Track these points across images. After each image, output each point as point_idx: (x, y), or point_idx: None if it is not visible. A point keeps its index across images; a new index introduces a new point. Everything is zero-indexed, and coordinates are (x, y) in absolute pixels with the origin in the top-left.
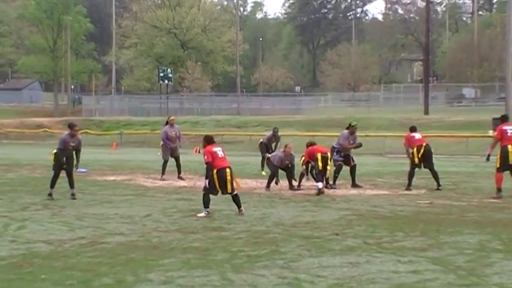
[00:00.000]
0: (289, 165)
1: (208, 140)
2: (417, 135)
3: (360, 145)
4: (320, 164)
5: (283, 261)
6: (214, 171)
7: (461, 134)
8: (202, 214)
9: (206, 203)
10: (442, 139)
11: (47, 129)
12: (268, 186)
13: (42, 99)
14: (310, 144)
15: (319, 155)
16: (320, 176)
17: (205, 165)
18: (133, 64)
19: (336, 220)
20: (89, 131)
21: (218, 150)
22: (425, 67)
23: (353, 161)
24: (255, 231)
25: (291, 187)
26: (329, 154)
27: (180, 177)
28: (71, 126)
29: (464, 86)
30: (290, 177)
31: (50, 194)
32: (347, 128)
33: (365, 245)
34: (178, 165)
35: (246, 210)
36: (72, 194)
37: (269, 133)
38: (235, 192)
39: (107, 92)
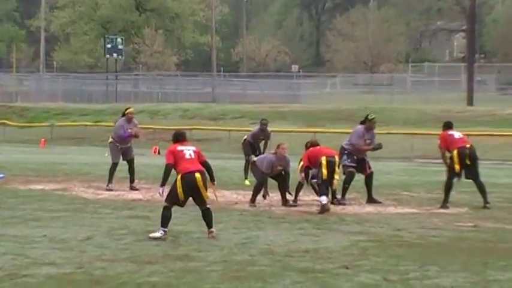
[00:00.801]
0: (283, 173)
1: (175, 137)
2: (456, 134)
3: (380, 146)
4: (325, 171)
5: None
6: (179, 176)
7: None
8: (157, 234)
9: (165, 220)
10: (491, 139)
11: None
12: (253, 200)
13: None
14: (312, 144)
15: (323, 159)
16: (324, 187)
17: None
18: (69, 31)
19: (345, 248)
20: (7, 121)
21: (186, 149)
22: (470, 41)
23: (369, 167)
24: (235, 262)
25: (285, 202)
26: (337, 158)
27: (132, 187)
28: None
29: None
30: (284, 189)
31: None
32: (362, 123)
33: (385, 282)
34: (131, 171)
35: (223, 232)
36: None
37: (255, 128)
38: (206, 206)
39: (33, 69)
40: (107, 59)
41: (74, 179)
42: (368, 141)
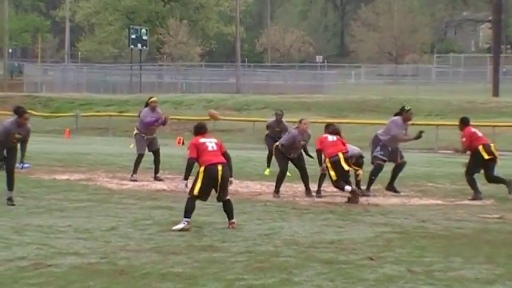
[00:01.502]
0: (303, 149)
1: (196, 129)
2: (479, 132)
3: (420, 135)
4: (332, 172)
5: None
6: (202, 168)
7: None
8: (180, 226)
9: (188, 211)
10: None
11: None
12: (276, 190)
13: None
14: (331, 131)
15: (328, 162)
16: (340, 182)
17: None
18: (94, 21)
19: (370, 239)
20: (32, 111)
21: (208, 142)
22: (496, 31)
23: (401, 157)
24: (259, 253)
25: (308, 193)
26: (341, 154)
27: (157, 178)
28: (19, 111)
29: None
30: (306, 179)
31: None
32: (398, 114)
33: (409, 273)
34: (156, 162)
35: (247, 223)
36: (9, 199)
37: (271, 119)
38: (227, 197)
39: (58, 59)
40: (131, 49)
41: (98, 169)
42: (404, 132)
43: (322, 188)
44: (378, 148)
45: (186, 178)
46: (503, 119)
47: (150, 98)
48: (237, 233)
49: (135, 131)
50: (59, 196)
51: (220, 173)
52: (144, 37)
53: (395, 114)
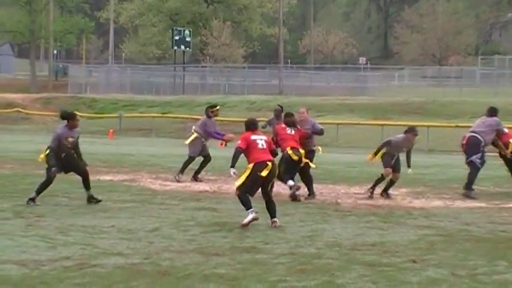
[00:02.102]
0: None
1: (247, 125)
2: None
3: None
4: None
5: None
6: (250, 165)
7: None
8: (249, 217)
9: (246, 203)
10: None
11: (20, 110)
12: (309, 192)
13: (14, 68)
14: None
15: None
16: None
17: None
18: (138, 23)
19: (413, 242)
20: (76, 112)
21: (259, 139)
22: None
23: None
24: (302, 255)
25: (311, 193)
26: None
27: (196, 178)
28: (69, 116)
29: None
30: (307, 179)
31: (32, 199)
32: (492, 115)
33: (453, 277)
34: (204, 165)
35: (290, 225)
36: (91, 198)
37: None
38: (271, 197)
39: (102, 60)
40: (175, 50)
41: (142, 170)
42: None
43: (364, 191)
44: (479, 155)
45: (232, 166)
46: None
47: (213, 106)
48: (280, 234)
49: (196, 135)
50: (102, 196)
51: (268, 170)
52: (188, 38)
53: (491, 115)
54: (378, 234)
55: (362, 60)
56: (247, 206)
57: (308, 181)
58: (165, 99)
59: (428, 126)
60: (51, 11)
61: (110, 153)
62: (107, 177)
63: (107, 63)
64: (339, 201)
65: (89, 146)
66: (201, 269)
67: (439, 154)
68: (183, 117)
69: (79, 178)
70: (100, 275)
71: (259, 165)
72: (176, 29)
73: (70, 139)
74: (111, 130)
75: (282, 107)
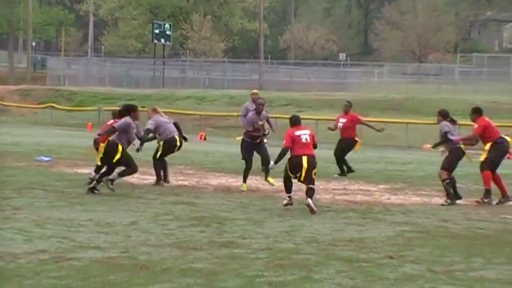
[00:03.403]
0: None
1: (292, 122)
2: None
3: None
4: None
5: None
6: (289, 158)
7: None
8: (284, 202)
9: (286, 188)
10: None
11: None
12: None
13: None
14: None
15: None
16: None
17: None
18: (118, 16)
19: (390, 238)
20: (55, 105)
21: (303, 134)
22: None
23: None
24: (280, 250)
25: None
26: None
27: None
28: (131, 107)
29: None
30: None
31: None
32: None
33: (430, 273)
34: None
35: (268, 220)
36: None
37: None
38: (310, 185)
39: (82, 53)
40: (155, 44)
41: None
42: None
43: (342, 187)
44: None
45: (276, 163)
46: None
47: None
48: (258, 229)
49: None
50: (80, 190)
51: (304, 161)
52: (168, 32)
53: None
54: (356, 230)
55: (342, 56)
56: (287, 190)
57: None
58: (144, 92)
59: (407, 123)
60: (30, 2)
61: (89, 146)
62: (85, 170)
63: (86, 55)
64: (318, 196)
65: (67, 139)
66: (179, 263)
67: (417, 151)
68: (162, 111)
69: (57, 170)
70: (77, 269)
71: (296, 158)
72: (156, 23)
73: (134, 130)
74: (90, 123)
75: (263, 100)
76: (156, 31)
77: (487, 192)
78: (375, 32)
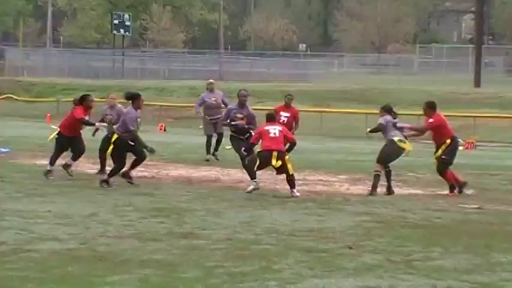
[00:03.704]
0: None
1: (266, 118)
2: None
3: None
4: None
5: (277, 282)
6: (258, 151)
7: None
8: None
9: (253, 174)
10: (497, 121)
11: None
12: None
13: None
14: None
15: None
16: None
17: None
18: (77, 6)
19: (349, 228)
20: (13, 96)
21: (272, 128)
22: (478, 22)
23: None
24: (239, 241)
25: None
26: None
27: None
28: (134, 95)
29: None
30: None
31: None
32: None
33: (388, 262)
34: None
35: (228, 210)
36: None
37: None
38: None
39: (40, 43)
40: (114, 35)
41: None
42: None
43: (302, 177)
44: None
45: (244, 151)
46: (485, 109)
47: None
48: (218, 220)
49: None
50: (39, 181)
51: (273, 159)
52: (127, 23)
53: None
54: (316, 220)
55: (302, 46)
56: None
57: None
58: (104, 83)
59: (366, 114)
60: None
61: (47, 138)
62: (44, 162)
63: (45, 46)
64: (277, 187)
65: (25, 130)
66: (138, 254)
67: (377, 141)
68: (121, 102)
69: (15, 162)
70: (35, 260)
71: (263, 152)
72: (115, 13)
73: (139, 120)
74: (49, 114)
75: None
76: (116, 22)
77: (454, 186)
78: (335, 22)
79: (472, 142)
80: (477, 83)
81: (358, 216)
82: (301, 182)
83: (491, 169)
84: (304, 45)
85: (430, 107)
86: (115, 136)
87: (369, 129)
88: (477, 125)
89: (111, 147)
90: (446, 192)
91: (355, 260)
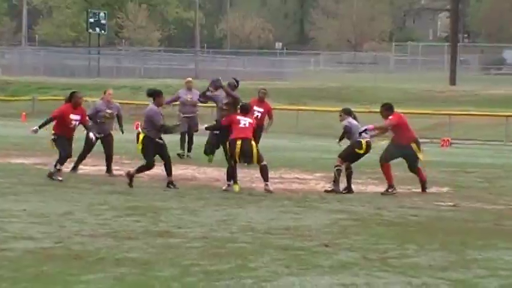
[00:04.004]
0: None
1: (240, 108)
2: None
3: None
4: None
5: (253, 280)
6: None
7: (500, 113)
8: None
9: (230, 175)
10: (472, 119)
11: None
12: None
13: None
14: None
15: None
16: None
17: None
18: (52, 4)
19: (325, 226)
20: None
21: (243, 120)
22: (454, 20)
23: None
24: (215, 239)
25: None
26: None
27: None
28: (157, 92)
29: (506, 47)
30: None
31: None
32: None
33: (364, 260)
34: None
35: (205, 209)
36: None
37: None
38: (261, 164)
39: (15, 42)
40: (90, 33)
41: (55, 154)
42: None
43: (278, 176)
44: None
45: (206, 128)
46: (460, 107)
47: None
48: (194, 218)
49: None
50: (13, 180)
51: (237, 147)
52: (103, 21)
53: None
54: (292, 218)
55: (278, 45)
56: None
57: None
58: (79, 82)
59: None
60: None
61: (22, 136)
62: (18, 160)
63: (20, 45)
64: (254, 185)
65: (0, 129)
66: (113, 253)
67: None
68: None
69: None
70: (9, 259)
71: (232, 142)
72: (91, 11)
73: (161, 116)
74: (24, 113)
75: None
76: (91, 20)
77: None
78: (311, 21)
79: (449, 140)
80: (452, 81)
81: (334, 214)
82: (277, 180)
83: (467, 167)
84: (281, 43)
85: (387, 109)
86: (142, 135)
87: (337, 141)
88: (452, 122)
89: (140, 146)
90: (420, 190)
91: (331, 257)
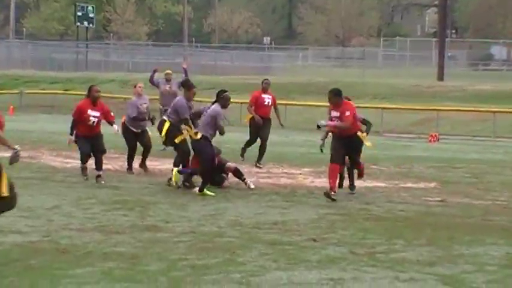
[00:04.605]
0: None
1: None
2: None
3: None
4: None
5: (241, 274)
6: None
7: (487, 108)
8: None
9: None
10: (460, 114)
11: None
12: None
13: None
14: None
15: None
16: None
17: None
18: None
19: (313, 221)
20: None
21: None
22: (442, 16)
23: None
24: (203, 233)
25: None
26: None
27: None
28: (189, 84)
29: (494, 43)
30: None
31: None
32: None
33: (352, 255)
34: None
35: (192, 204)
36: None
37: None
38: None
39: (3, 35)
40: (78, 27)
41: (43, 147)
42: None
43: (266, 170)
44: None
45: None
46: (448, 103)
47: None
48: (182, 213)
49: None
50: None
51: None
52: (91, 15)
53: None
54: (280, 213)
55: (266, 40)
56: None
57: None
58: (67, 75)
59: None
60: None
61: (10, 130)
62: (6, 154)
63: (8, 38)
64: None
65: None
66: (101, 247)
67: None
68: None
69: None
70: None
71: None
72: (79, 5)
73: (188, 110)
74: (12, 106)
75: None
76: (79, 13)
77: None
78: (299, 16)
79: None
80: (440, 76)
81: (322, 209)
82: (265, 174)
83: (455, 162)
84: (269, 38)
85: (336, 95)
86: (167, 124)
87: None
88: (440, 118)
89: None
90: (409, 185)
91: (319, 252)
